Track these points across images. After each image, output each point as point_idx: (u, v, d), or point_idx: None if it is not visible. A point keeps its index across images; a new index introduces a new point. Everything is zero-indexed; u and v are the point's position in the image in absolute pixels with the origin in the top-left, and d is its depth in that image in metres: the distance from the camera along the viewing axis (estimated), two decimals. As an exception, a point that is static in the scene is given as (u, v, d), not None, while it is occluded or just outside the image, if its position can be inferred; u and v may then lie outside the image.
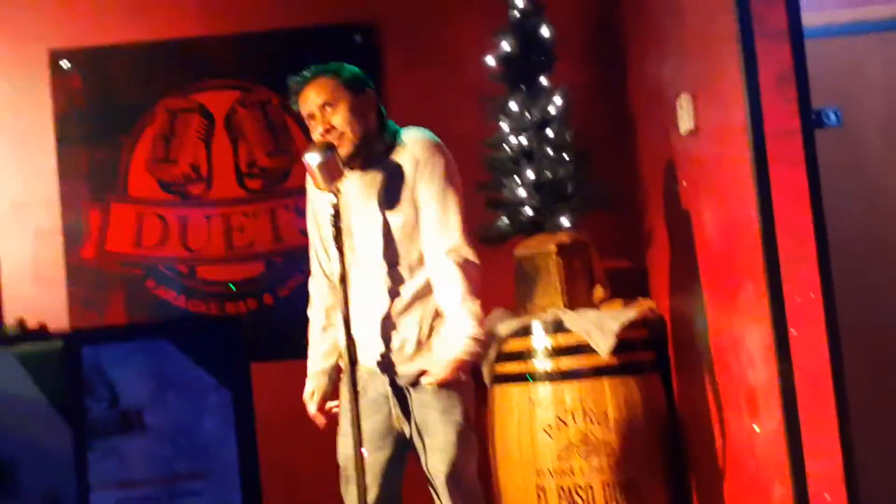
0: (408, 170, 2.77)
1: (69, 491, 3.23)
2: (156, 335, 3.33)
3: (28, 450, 3.22)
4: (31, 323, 4.06)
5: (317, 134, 2.78)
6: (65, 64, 4.41)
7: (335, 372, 2.93)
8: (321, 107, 2.76)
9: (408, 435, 2.80)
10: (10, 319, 3.76)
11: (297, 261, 4.05)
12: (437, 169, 2.77)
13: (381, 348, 2.77)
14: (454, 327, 2.70)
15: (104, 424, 3.24)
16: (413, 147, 2.79)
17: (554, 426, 3.56)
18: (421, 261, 2.78)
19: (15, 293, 3.87)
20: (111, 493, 3.25)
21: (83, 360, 3.25)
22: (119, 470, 3.25)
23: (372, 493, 2.74)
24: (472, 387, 2.82)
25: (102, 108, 4.41)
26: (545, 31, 3.94)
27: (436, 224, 2.76)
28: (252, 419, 3.25)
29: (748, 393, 3.15)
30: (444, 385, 2.69)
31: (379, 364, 2.79)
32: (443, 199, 2.76)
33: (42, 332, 3.95)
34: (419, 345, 2.77)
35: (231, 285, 4.35)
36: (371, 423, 2.76)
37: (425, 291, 2.77)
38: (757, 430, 3.08)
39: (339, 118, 2.76)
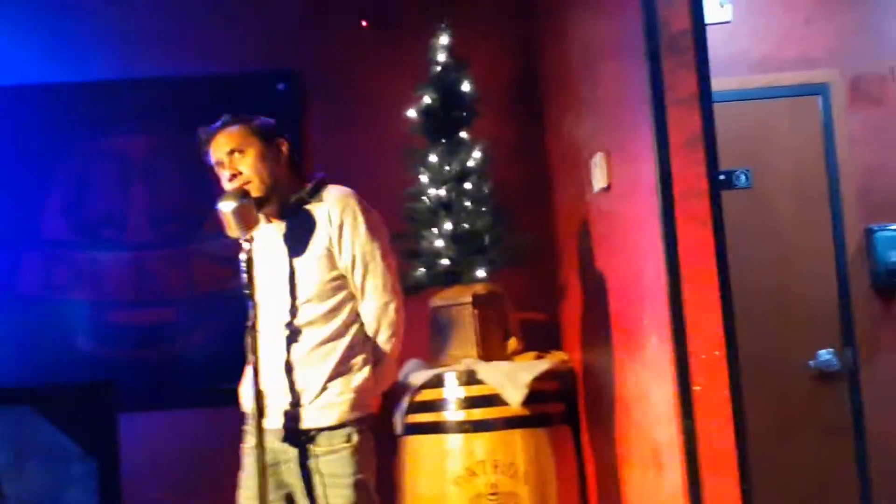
0: (323, 223, 2.73)
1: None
2: (18, 401, 3.14)
3: None
4: None
5: (225, 181, 2.73)
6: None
7: None
8: (229, 153, 2.72)
9: (295, 493, 2.72)
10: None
11: (209, 307, 4.01)
12: (363, 227, 2.75)
13: (279, 400, 2.70)
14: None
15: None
16: (333, 203, 2.75)
17: (464, 477, 3.55)
18: (328, 315, 2.72)
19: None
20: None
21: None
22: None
23: None
24: (372, 444, 2.77)
25: (15, 148, 4.34)
26: (466, 87, 4.00)
27: (367, 285, 2.77)
28: (118, 491, 3.07)
29: (654, 448, 3.18)
30: (343, 444, 2.67)
31: (276, 416, 2.70)
32: (372, 258, 2.77)
33: None
34: (317, 399, 2.69)
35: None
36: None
37: (329, 343, 2.71)
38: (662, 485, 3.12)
39: (247, 165, 2.72)
